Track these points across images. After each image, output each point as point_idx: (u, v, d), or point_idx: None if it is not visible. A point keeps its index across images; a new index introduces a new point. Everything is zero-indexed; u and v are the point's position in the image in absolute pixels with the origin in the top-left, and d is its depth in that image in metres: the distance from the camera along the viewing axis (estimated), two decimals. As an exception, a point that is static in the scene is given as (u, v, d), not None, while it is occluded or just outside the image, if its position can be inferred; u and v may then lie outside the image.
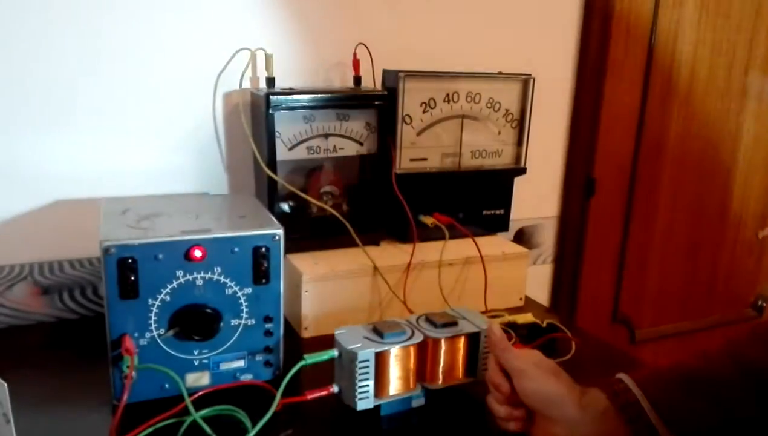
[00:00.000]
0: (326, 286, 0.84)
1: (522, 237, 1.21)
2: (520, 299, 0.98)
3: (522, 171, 1.02)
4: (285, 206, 0.90)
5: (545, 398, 0.59)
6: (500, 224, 1.04)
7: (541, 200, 1.23)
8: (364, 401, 0.63)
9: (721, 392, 0.55)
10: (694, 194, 1.38)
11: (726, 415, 0.55)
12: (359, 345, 0.63)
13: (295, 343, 0.83)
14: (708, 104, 1.33)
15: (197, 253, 0.65)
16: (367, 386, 0.63)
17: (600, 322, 1.34)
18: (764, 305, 1.51)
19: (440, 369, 0.68)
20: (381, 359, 0.64)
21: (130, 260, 0.63)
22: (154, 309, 0.66)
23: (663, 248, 1.38)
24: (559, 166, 1.23)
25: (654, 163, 1.31)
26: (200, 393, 0.67)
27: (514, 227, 1.17)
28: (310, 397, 0.63)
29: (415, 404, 0.69)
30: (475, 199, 1.01)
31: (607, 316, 1.36)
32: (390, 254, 0.91)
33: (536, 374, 0.60)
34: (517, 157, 1.03)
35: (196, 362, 0.69)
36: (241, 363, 0.71)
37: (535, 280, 1.03)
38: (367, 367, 0.63)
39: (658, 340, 1.41)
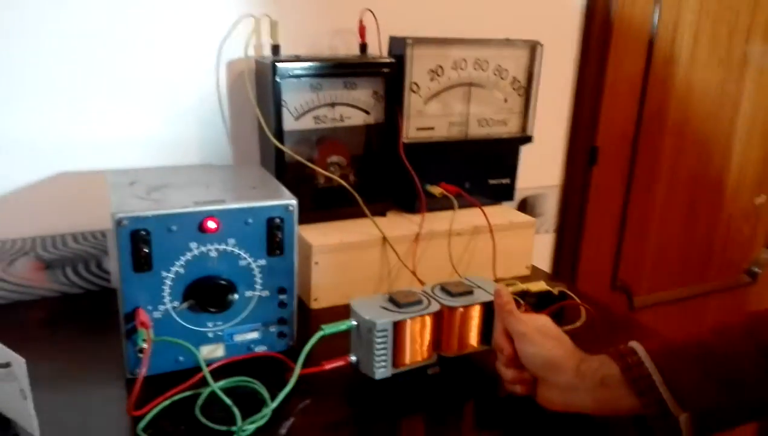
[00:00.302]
0: (336, 257, 0.83)
1: (525, 207, 1.21)
2: (527, 267, 0.99)
3: (528, 139, 1.02)
4: (292, 177, 0.89)
5: (543, 363, 0.60)
6: (506, 193, 1.04)
7: (545, 169, 1.23)
8: (382, 370, 0.64)
9: (738, 373, 0.53)
10: (694, 162, 1.38)
11: (742, 396, 0.53)
12: (377, 315, 0.63)
13: (306, 315, 0.83)
14: (709, 72, 1.33)
15: (211, 224, 0.64)
16: (385, 355, 0.63)
17: (599, 290, 1.35)
18: (758, 271, 1.53)
19: (455, 338, 0.68)
20: (399, 329, 0.64)
21: (143, 232, 0.62)
22: (168, 282, 0.65)
23: (662, 216, 1.39)
24: (562, 134, 1.23)
25: (655, 131, 1.30)
26: (216, 365, 0.67)
27: (518, 197, 1.16)
28: (328, 367, 0.64)
29: (430, 372, 0.69)
30: (481, 168, 1.00)
31: (607, 284, 1.37)
32: (398, 225, 0.91)
33: (537, 338, 0.61)
34: (523, 126, 1.02)
35: (210, 335, 0.68)
36: (255, 335, 0.70)
37: (536, 248, 1.04)
38: (386, 336, 0.63)
39: (656, 306, 1.43)
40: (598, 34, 1.18)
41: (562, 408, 0.59)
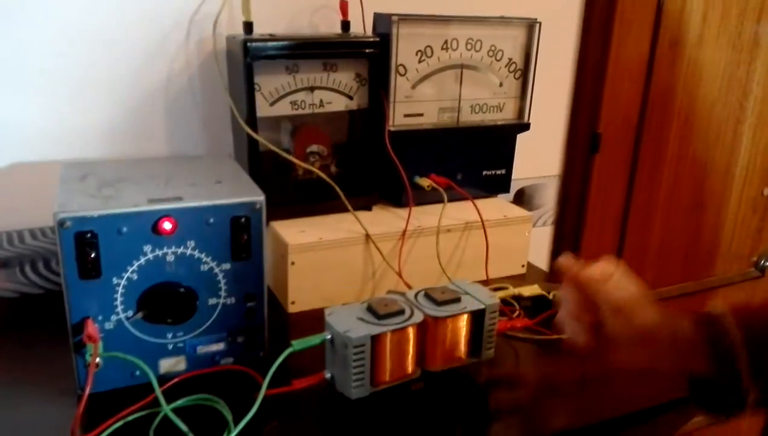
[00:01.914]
0: (314, 256, 0.76)
1: (522, 198, 1.14)
2: (522, 265, 0.92)
3: (525, 127, 0.94)
4: (267, 168, 0.82)
5: (635, 334, 0.54)
6: (501, 185, 0.97)
7: (543, 158, 1.16)
8: (360, 389, 0.57)
9: None
10: (701, 150, 1.31)
11: None
12: (353, 328, 0.56)
13: (282, 319, 0.76)
14: (718, 53, 1.25)
15: (167, 225, 0.57)
16: (363, 372, 0.57)
17: (601, 285, 1.29)
18: (767, 264, 1.47)
19: (441, 350, 0.62)
20: (378, 343, 0.57)
21: (89, 235, 0.55)
22: (120, 290, 0.58)
23: (667, 207, 1.32)
24: (562, 120, 1.15)
25: (660, 117, 1.23)
26: (175, 381, 0.61)
27: (514, 187, 1.09)
28: (299, 386, 0.57)
29: (413, 388, 0.62)
30: (475, 158, 0.93)
31: (608, 278, 1.30)
32: (383, 220, 0.84)
33: (632, 310, 0.54)
34: (520, 112, 0.95)
35: (170, 346, 0.62)
36: (220, 346, 0.64)
37: (534, 242, 0.97)
38: (363, 352, 0.56)
39: (660, 302, 1.36)
40: (600, 11, 1.10)
41: (627, 366, 0.55)
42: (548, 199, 1.19)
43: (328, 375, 0.58)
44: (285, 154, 0.79)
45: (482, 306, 0.62)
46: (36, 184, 0.79)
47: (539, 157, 1.15)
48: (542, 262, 1.22)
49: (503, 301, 0.77)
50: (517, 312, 0.76)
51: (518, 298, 0.78)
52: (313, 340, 0.58)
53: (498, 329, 0.64)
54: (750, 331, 0.50)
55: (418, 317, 0.59)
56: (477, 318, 0.63)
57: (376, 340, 0.57)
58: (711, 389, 0.53)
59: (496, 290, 0.78)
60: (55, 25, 0.76)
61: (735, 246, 1.45)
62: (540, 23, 0.90)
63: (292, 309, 0.77)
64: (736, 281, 1.46)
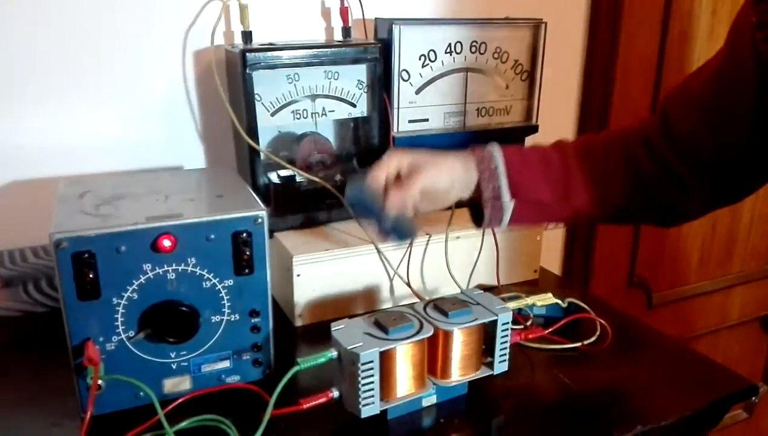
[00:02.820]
0: (320, 267, 0.74)
1: (532, 201, 1.12)
2: (535, 271, 0.90)
3: (534, 129, 0.92)
4: (270, 180, 0.80)
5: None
6: (510, 189, 0.94)
7: (552, 160, 1.13)
8: (369, 407, 0.55)
9: (565, 172, 0.65)
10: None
11: (563, 191, 0.65)
12: (361, 344, 0.54)
13: (289, 332, 0.74)
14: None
15: (166, 242, 0.56)
16: (372, 390, 0.54)
17: (615, 287, 1.26)
18: (786, 260, 1.43)
19: (453, 364, 0.60)
20: (386, 359, 0.55)
21: (86, 255, 0.54)
22: (120, 309, 0.56)
23: (681, 205, 1.29)
24: (571, 122, 1.13)
25: (672, 114, 1.20)
26: (179, 401, 0.59)
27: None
28: (306, 406, 0.55)
29: (425, 403, 0.60)
30: (483, 162, 0.91)
31: (623, 280, 1.27)
32: (390, 229, 0.82)
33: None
34: (528, 114, 0.92)
35: (174, 366, 0.60)
36: (226, 364, 0.62)
37: (546, 246, 0.94)
38: (372, 369, 0.54)
39: (676, 303, 1.34)
40: (607, 9, 1.08)
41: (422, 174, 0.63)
42: (559, 201, 1.16)
43: (336, 393, 0.56)
44: (288, 165, 0.77)
45: (494, 317, 0.60)
46: (36, 201, 0.78)
47: (549, 159, 1.12)
48: (555, 266, 1.19)
49: (516, 310, 0.74)
50: (530, 321, 0.74)
51: (531, 307, 0.75)
52: (320, 358, 0.56)
53: (511, 341, 0.62)
54: (509, 159, 0.65)
55: (428, 331, 0.57)
56: (489, 330, 0.61)
57: (384, 356, 0.55)
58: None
59: (508, 299, 0.76)
60: (49, 39, 0.75)
61: (752, 242, 1.42)
62: (546, 23, 0.88)
63: (299, 322, 0.75)
64: (754, 279, 1.43)
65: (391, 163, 0.64)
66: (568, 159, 0.66)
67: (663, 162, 0.63)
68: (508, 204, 0.65)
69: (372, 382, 0.54)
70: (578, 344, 0.70)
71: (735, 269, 1.41)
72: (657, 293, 1.31)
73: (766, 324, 1.53)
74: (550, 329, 0.70)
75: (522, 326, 0.72)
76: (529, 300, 0.73)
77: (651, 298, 1.30)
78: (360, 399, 0.54)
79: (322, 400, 0.56)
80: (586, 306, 0.76)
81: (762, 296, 1.48)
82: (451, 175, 0.65)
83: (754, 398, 0.64)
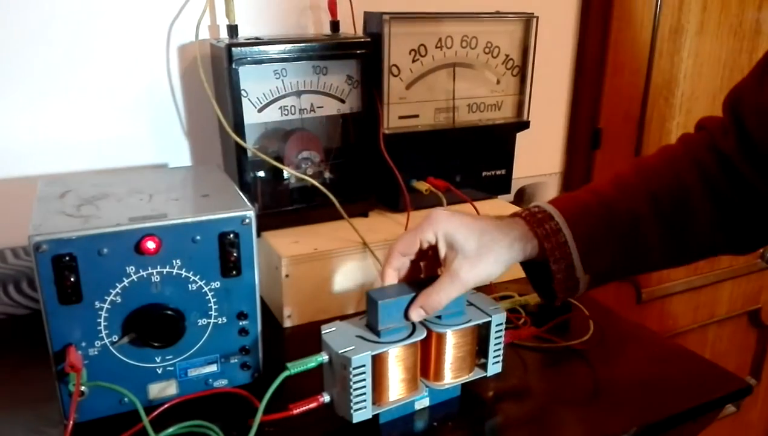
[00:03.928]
0: (309, 268, 0.73)
1: (523, 197, 1.11)
2: (526, 268, 0.88)
3: (525, 125, 0.91)
4: (257, 177, 0.78)
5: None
6: (501, 186, 0.93)
7: (543, 156, 1.13)
8: (361, 412, 0.54)
9: (634, 231, 0.56)
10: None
11: (635, 254, 0.57)
12: (352, 348, 0.53)
13: (277, 334, 0.73)
14: (719, 42, 1.22)
15: (150, 244, 0.54)
16: (364, 394, 0.53)
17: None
18: (773, 255, 1.44)
19: (446, 366, 0.58)
20: (379, 362, 0.54)
21: (67, 258, 0.52)
22: (103, 314, 0.55)
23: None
24: (562, 116, 1.12)
25: (662, 109, 1.20)
26: (165, 406, 0.58)
27: (514, 186, 1.06)
28: (296, 411, 0.53)
29: (418, 406, 0.59)
30: (474, 159, 0.90)
31: (613, 276, 1.27)
32: (381, 227, 0.81)
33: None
34: (519, 110, 0.91)
35: (159, 370, 0.58)
36: (213, 368, 0.60)
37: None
38: (363, 373, 0.52)
39: (665, 297, 1.34)
40: (598, 3, 1.07)
41: (465, 284, 0.55)
42: (549, 197, 1.15)
43: (326, 398, 0.55)
44: (275, 162, 0.76)
45: (488, 319, 0.59)
46: (14, 200, 0.76)
47: (539, 155, 1.11)
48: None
49: (508, 309, 0.73)
50: (522, 320, 0.73)
51: (524, 306, 0.74)
52: (310, 362, 0.54)
53: (505, 341, 0.61)
54: (576, 227, 0.56)
55: (421, 333, 0.56)
56: (483, 331, 0.60)
57: (377, 359, 0.54)
58: (545, 279, 0.59)
59: (501, 298, 0.75)
60: (26, 32, 0.73)
61: (741, 238, 1.42)
62: (537, 18, 0.87)
63: (288, 323, 0.74)
64: (742, 273, 1.43)
65: (423, 239, 0.56)
66: (638, 211, 0.57)
67: (744, 182, 0.55)
68: (583, 279, 0.57)
69: (364, 386, 0.53)
70: (571, 343, 0.69)
71: (723, 265, 1.41)
72: (646, 288, 1.31)
73: (755, 319, 1.54)
74: (543, 328, 0.69)
75: (515, 326, 0.71)
76: (522, 299, 0.72)
77: (640, 293, 1.30)
78: (351, 404, 0.53)
79: (313, 405, 0.54)
80: (579, 304, 0.75)
81: (750, 291, 1.49)
82: (498, 268, 0.56)
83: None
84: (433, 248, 0.57)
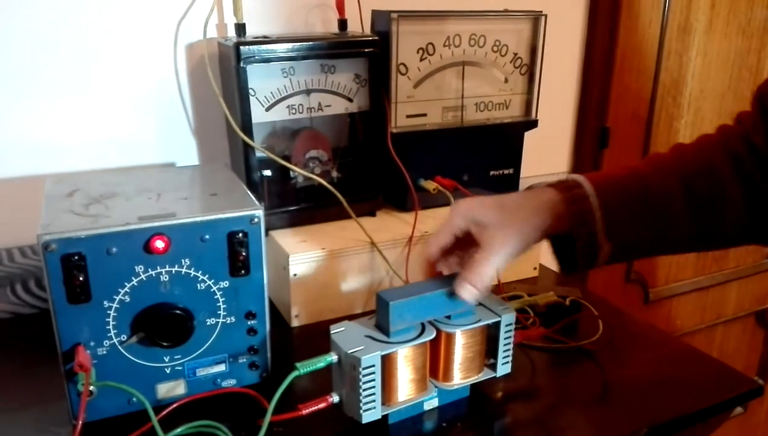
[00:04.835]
0: (317, 267, 0.73)
1: (530, 196, 1.10)
2: (534, 268, 0.88)
3: (533, 124, 0.91)
4: (265, 176, 0.78)
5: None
6: (509, 185, 0.93)
7: (551, 155, 1.12)
8: (370, 412, 0.53)
9: (665, 209, 0.56)
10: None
11: (662, 232, 0.57)
12: (362, 348, 0.53)
13: (285, 333, 0.73)
14: (728, 41, 1.21)
15: (159, 243, 0.54)
16: (373, 394, 0.53)
17: (613, 283, 1.25)
18: (782, 255, 1.43)
19: (455, 366, 0.58)
20: (388, 363, 0.54)
21: (76, 257, 0.52)
22: (112, 313, 0.54)
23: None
24: (570, 115, 1.11)
25: (670, 108, 1.19)
26: (174, 406, 0.57)
27: (522, 186, 1.05)
28: (305, 412, 0.53)
29: (427, 406, 0.59)
30: (482, 158, 0.89)
31: (620, 276, 1.27)
32: (388, 226, 0.80)
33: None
34: (527, 108, 0.91)
35: (167, 370, 0.58)
36: (221, 368, 0.60)
37: (546, 243, 0.93)
38: (373, 374, 0.52)
39: (673, 298, 1.33)
40: (606, 1, 1.06)
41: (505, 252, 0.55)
42: (557, 196, 1.15)
43: (335, 398, 0.55)
44: (283, 161, 0.75)
45: (497, 318, 0.58)
46: (22, 199, 0.76)
47: (547, 154, 1.11)
48: (552, 262, 1.18)
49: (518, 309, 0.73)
50: (531, 320, 0.72)
51: (533, 306, 0.74)
52: (319, 362, 0.54)
53: (514, 341, 0.60)
54: (604, 195, 0.56)
55: (431, 333, 0.56)
56: (492, 331, 0.59)
57: (386, 359, 0.53)
58: (567, 247, 0.58)
59: (511, 298, 0.75)
60: (34, 32, 0.73)
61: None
62: (545, 16, 0.86)
63: (295, 323, 0.74)
64: (749, 274, 1.43)
65: (455, 229, 0.58)
66: (669, 188, 0.56)
67: None
68: (605, 248, 0.57)
69: (373, 387, 0.53)
70: (580, 343, 0.69)
71: (731, 265, 1.41)
72: (654, 288, 1.30)
73: (762, 319, 1.53)
74: (552, 328, 0.69)
75: (523, 326, 0.70)
76: (531, 299, 0.72)
77: (648, 293, 1.29)
78: (361, 404, 0.53)
79: (322, 405, 0.54)
80: (588, 304, 0.75)
81: (758, 291, 1.48)
82: (529, 231, 0.56)
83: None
84: (467, 234, 0.58)
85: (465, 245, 0.59)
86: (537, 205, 0.57)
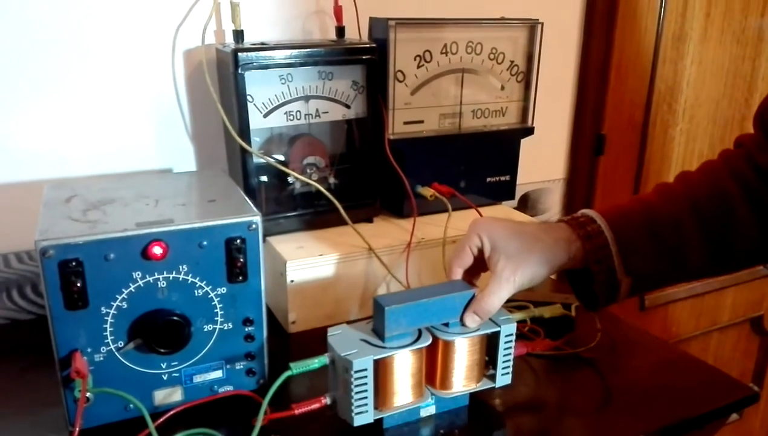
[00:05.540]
0: (314, 273, 0.73)
1: (527, 203, 1.11)
2: (531, 274, 0.88)
3: (529, 131, 0.91)
4: (262, 182, 0.78)
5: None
6: (506, 192, 0.93)
7: (547, 162, 1.13)
8: (362, 416, 0.53)
9: (678, 238, 0.57)
10: (708, 148, 1.28)
11: (677, 261, 0.57)
12: (355, 351, 0.53)
13: (282, 340, 0.73)
14: (722, 49, 1.22)
15: (157, 250, 0.54)
16: (365, 398, 0.53)
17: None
18: (777, 262, 1.43)
19: (453, 374, 0.58)
20: (382, 367, 0.54)
21: (73, 263, 0.52)
22: (109, 319, 0.54)
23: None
24: (566, 122, 1.12)
25: (666, 115, 1.20)
26: (171, 413, 0.57)
27: (518, 192, 1.06)
28: (297, 412, 0.53)
29: (423, 413, 0.59)
30: (478, 165, 0.90)
31: (616, 282, 1.27)
32: (386, 232, 0.81)
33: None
34: (524, 116, 0.91)
35: (164, 376, 0.58)
36: (218, 374, 0.60)
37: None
38: (365, 377, 0.52)
39: (668, 304, 1.33)
40: (602, 10, 1.07)
41: (513, 285, 0.57)
42: (553, 203, 1.16)
43: (329, 400, 0.55)
44: (281, 167, 0.76)
45: (497, 329, 0.58)
46: (19, 205, 0.76)
47: (543, 161, 1.11)
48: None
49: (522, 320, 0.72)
50: (530, 329, 0.72)
51: (538, 318, 0.73)
52: (313, 363, 0.54)
53: (517, 354, 0.60)
54: (618, 229, 0.57)
55: (427, 340, 0.56)
56: (492, 340, 0.59)
57: (380, 364, 0.53)
58: (586, 283, 0.59)
59: (517, 308, 0.74)
60: (33, 37, 0.73)
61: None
62: (542, 24, 0.87)
63: (292, 329, 0.74)
64: (745, 281, 1.43)
65: (472, 246, 0.59)
66: (679, 215, 0.57)
67: None
68: (624, 282, 0.58)
69: (365, 390, 0.53)
70: (578, 350, 0.69)
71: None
72: (649, 295, 1.30)
73: (757, 326, 1.54)
74: (559, 341, 0.69)
75: (529, 338, 0.70)
76: (537, 311, 0.72)
77: (643, 300, 1.30)
78: (353, 407, 0.53)
79: (315, 406, 0.54)
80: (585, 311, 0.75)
81: (753, 297, 1.49)
82: (542, 268, 0.57)
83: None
84: (480, 251, 0.59)
85: (478, 260, 0.60)
86: (553, 241, 0.58)
